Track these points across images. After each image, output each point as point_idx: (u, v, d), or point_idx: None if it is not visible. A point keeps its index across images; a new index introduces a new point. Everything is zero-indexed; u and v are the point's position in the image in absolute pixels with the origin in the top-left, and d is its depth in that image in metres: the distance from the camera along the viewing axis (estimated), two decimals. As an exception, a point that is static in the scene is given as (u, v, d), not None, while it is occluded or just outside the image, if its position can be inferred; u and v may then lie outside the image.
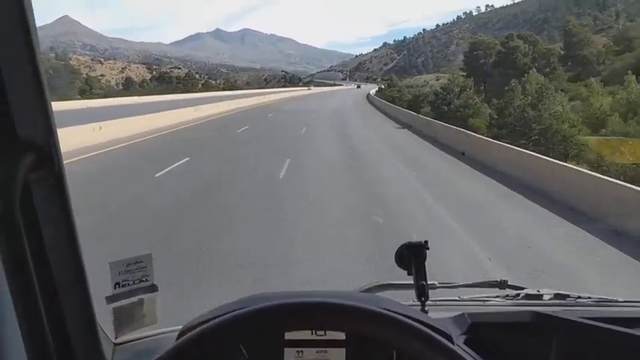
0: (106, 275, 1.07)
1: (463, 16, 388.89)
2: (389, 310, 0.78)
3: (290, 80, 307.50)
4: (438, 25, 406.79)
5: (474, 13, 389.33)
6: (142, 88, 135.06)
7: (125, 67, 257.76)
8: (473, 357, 0.89)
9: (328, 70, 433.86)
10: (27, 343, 0.79)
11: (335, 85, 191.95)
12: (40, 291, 0.79)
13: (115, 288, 1.07)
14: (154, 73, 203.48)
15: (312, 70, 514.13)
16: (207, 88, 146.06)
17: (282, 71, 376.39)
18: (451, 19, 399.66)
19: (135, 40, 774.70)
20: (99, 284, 1.07)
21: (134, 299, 1.10)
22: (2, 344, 0.76)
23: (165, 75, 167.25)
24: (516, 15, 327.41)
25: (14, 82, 0.73)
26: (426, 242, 1.34)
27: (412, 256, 1.33)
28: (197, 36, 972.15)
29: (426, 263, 1.34)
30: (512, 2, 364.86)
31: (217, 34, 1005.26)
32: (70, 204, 0.87)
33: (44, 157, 0.79)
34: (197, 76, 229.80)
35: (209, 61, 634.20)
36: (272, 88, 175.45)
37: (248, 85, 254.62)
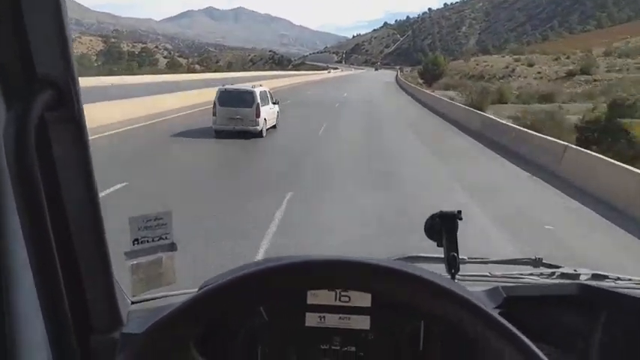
0: (126, 232, 1.03)
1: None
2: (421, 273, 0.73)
3: (279, 62, 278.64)
4: (446, 4, 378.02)
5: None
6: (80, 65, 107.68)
7: (76, 39, 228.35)
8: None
9: (322, 52, 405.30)
10: (41, 293, 0.79)
11: (328, 68, 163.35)
12: (55, 240, 0.78)
13: (134, 244, 1.03)
14: (105, 47, 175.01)
15: (307, 52, 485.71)
16: (171, 68, 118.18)
17: (270, 51, 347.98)
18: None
19: (123, 16, 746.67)
20: (119, 240, 1.04)
21: (152, 257, 1.05)
22: (15, 294, 0.78)
23: (115, 50, 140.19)
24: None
25: (35, 21, 0.74)
26: (459, 212, 1.24)
27: (443, 226, 1.25)
28: (188, 13, 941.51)
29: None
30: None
31: (210, 12, 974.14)
32: (89, 148, 0.85)
33: (63, 98, 0.78)
34: (165, 53, 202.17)
35: (199, 39, 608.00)
36: (256, 70, 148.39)
37: (228, 68, 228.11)
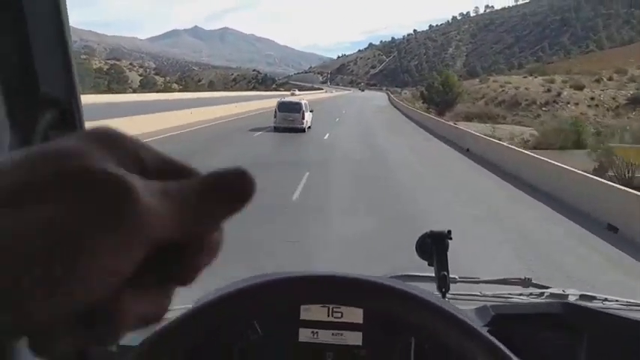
0: None
1: (459, 17, 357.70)
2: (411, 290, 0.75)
3: (262, 82, 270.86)
4: (431, 26, 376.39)
5: (472, 14, 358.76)
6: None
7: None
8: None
9: (306, 72, 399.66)
10: None
11: (313, 88, 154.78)
12: None
13: None
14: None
15: (292, 72, 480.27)
16: (145, 87, 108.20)
17: (254, 70, 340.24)
18: (431, 26, 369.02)
19: (108, 34, 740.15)
20: None
21: None
22: None
23: (81, 67, 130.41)
24: (525, 16, 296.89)
25: (38, 40, 0.74)
26: (449, 232, 1.27)
27: (434, 245, 1.28)
28: (174, 32, 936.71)
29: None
30: (515, 3, 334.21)
31: (195, 31, 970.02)
32: None
33: (65, 116, 0.79)
34: (141, 70, 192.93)
35: (184, 58, 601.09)
36: (238, 91, 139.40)
37: (209, 87, 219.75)
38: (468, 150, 18.57)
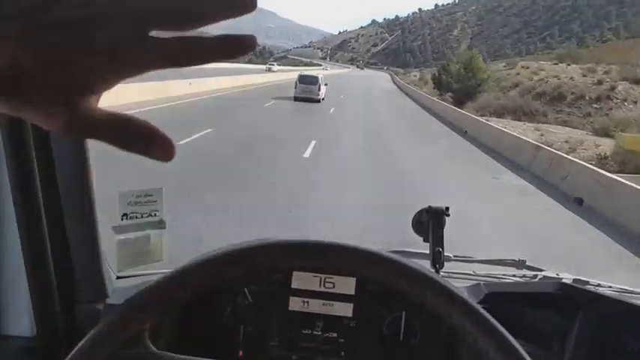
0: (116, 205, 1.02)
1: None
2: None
3: (260, 54, 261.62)
4: (437, 5, 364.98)
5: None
6: None
7: None
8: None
9: (306, 47, 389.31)
10: (27, 260, 0.81)
11: (311, 64, 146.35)
12: (45, 210, 0.80)
13: (123, 219, 1.03)
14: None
15: (292, 46, 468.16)
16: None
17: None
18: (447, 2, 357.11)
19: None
20: (110, 215, 1.04)
21: (140, 233, 1.05)
22: (2, 257, 0.79)
23: None
24: (534, 0, 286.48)
25: None
26: (447, 208, 1.26)
27: (431, 220, 1.27)
28: None
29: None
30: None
31: None
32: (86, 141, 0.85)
33: None
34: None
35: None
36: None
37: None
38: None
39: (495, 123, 21.16)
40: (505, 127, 18.85)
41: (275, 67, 74.92)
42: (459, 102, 33.21)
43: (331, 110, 22.64)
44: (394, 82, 74.10)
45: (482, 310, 0.68)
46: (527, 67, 47.84)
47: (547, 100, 34.31)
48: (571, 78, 38.22)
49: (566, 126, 27.41)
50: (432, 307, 0.69)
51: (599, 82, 36.34)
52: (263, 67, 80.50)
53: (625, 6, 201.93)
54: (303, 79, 25.38)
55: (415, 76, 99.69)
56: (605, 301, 1.05)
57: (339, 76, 77.69)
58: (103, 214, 0.98)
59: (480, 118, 21.96)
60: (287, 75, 50.35)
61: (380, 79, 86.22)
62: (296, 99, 24.18)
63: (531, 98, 34.27)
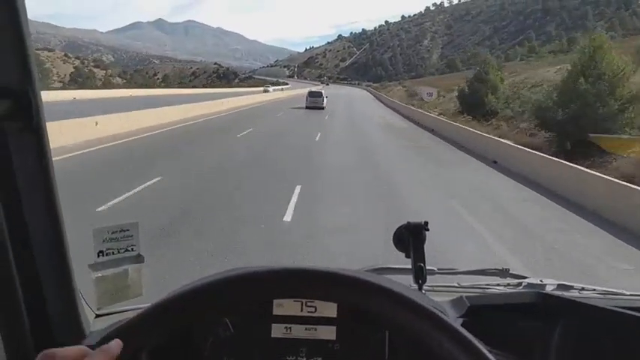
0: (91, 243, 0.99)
1: (433, 8, 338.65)
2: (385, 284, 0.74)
3: (223, 76, 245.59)
4: (403, 17, 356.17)
5: (446, 5, 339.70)
6: None
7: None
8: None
9: (272, 66, 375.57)
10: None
11: (279, 83, 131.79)
12: (13, 253, 0.78)
13: (99, 256, 1.00)
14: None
15: (259, 66, 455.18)
16: (75, 81, 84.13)
17: (215, 64, 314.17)
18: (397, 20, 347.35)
19: (65, 26, 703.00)
20: (85, 252, 1.03)
21: (118, 269, 1.03)
22: None
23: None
24: (503, 6, 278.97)
25: None
26: (426, 223, 1.27)
27: (411, 237, 1.27)
28: (137, 25, 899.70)
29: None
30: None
31: (159, 24, 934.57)
32: (50, 158, 0.84)
33: (22, 107, 0.76)
34: (77, 62, 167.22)
35: (148, 52, 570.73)
36: (182, 88, 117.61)
37: (163, 82, 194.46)
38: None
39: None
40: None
41: (270, 89, 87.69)
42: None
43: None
44: (386, 107, 53.13)
45: (457, 326, 0.67)
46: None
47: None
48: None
49: None
50: (410, 327, 0.68)
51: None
52: (229, 90, 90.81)
53: (601, 5, 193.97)
54: (312, 94, 40.52)
55: (401, 89, 79.83)
56: (585, 308, 1.04)
57: (294, 99, 55.55)
58: (77, 252, 0.93)
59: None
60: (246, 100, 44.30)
61: (359, 102, 62.08)
62: (307, 108, 38.35)
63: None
